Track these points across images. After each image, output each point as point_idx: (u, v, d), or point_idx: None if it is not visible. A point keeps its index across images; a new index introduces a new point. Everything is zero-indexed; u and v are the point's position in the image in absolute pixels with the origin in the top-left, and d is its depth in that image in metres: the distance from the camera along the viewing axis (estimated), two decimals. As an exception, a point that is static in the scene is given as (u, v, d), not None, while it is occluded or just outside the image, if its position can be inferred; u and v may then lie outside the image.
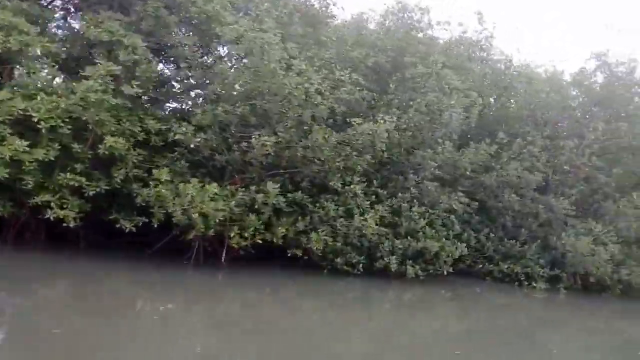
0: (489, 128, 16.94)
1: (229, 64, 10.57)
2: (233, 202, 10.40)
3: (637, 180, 16.64)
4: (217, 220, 10.16)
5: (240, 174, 11.68)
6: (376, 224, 11.86)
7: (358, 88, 13.11)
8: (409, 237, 12.27)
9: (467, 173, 14.87)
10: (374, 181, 12.74)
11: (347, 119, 12.27)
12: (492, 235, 14.64)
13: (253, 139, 10.38)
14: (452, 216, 13.19)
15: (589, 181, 15.97)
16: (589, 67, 17.28)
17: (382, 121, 11.83)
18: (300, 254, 11.50)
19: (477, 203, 14.70)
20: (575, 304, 13.84)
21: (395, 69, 14.80)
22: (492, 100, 17.89)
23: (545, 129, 16.71)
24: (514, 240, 14.56)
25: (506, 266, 14.23)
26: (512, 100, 17.80)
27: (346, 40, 13.95)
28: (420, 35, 16.55)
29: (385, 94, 14.21)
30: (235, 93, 10.74)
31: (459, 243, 12.69)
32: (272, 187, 10.53)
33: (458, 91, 13.29)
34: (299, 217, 11.57)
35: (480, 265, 14.45)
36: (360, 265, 11.99)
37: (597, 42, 17.28)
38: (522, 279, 14.13)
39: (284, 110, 11.09)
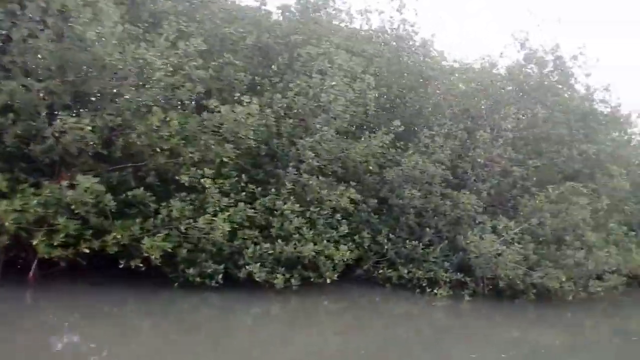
0: (405, 120, 15.44)
1: (28, 30, 8.46)
2: (35, 202, 8.30)
3: (562, 174, 15.35)
4: (8, 223, 8.04)
5: (71, 167, 9.59)
6: (238, 226, 9.98)
7: (234, 69, 11.36)
8: (279, 241, 10.39)
9: (371, 168, 13.33)
10: (243, 175, 10.81)
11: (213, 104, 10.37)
12: (392, 236, 12.92)
13: (58, 122, 8.32)
14: (338, 215, 11.39)
15: (507, 175, 14.49)
16: (510, 53, 16.10)
17: (245, 104, 9.97)
18: (140, 265, 9.46)
19: (375, 201, 13.05)
20: (482, 312, 12.21)
21: (287, 51, 13.04)
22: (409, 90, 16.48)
23: (466, 120, 15.32)
24: (418, 242, 12.88)
25: (407, 271, 12.52)
26: (428, 91, 16.27)
27: (215, 14, 12.04)
28: (321, 14, 14.90)
29: (268, 77, 12.41)
30: (41, 67, 8.62)
31: (341, 246, 10.87)
32: (84, 181, 8.44)
33: (345, 72, 11.56)
34: (139, 220, 9.54)
35: (380, 271, 12.72)
36: (220, 275, 10.05)
37: (521, 31, 15.98)
38: (423, 284, 12.44)
39: (115, 89, 9.09)
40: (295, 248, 10.23)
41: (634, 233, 14.55)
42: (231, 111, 9.81)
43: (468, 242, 12.24)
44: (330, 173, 12.11)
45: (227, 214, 9.62)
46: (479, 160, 14.44)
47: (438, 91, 16.22)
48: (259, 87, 12.40)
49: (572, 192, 13.04)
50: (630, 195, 16.03)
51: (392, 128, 12.51)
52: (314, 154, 10.98)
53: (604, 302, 13.75)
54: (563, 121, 15.59)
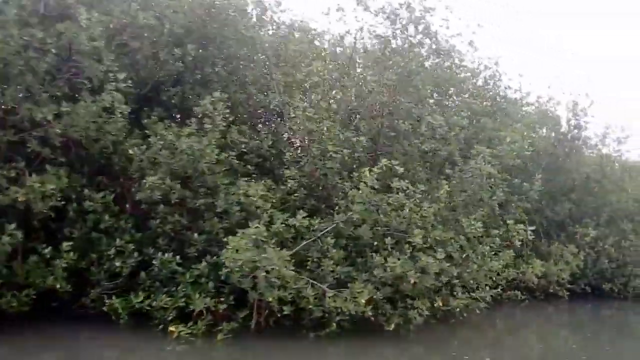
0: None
1: None
2: None
3: (427, 161, 11.60)
4: None
5: None
6: None
7: None
8: None
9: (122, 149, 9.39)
10: None
11: None
12: (133, 247, 8.71)
13: None
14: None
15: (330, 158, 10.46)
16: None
17: None
18: None
19: (100, 194, 8.87)
20: (254, 355, 8.15)
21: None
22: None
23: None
24: (173, 254, 8.69)
25: (145, 299, 8.31)
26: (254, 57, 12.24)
27: None
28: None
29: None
30: None
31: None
32: None
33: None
34: None
35: (108, 300, 8.44)
36: None
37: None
38: (168, 318, 8.21)
39: None
40: None
41: (497, 232, 10.73)
42: None
43: (229, 248, 8.11)
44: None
45: None
46: (292, 140, 10.66)
47: (262, 56, 12.28)
48: None
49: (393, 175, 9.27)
50: (502, 184, 12.40)
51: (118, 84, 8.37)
52: None
53: (464, 327, 10.11)
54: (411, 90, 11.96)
